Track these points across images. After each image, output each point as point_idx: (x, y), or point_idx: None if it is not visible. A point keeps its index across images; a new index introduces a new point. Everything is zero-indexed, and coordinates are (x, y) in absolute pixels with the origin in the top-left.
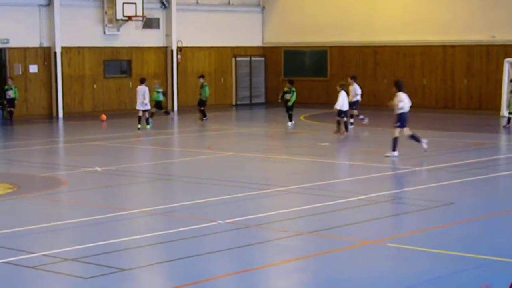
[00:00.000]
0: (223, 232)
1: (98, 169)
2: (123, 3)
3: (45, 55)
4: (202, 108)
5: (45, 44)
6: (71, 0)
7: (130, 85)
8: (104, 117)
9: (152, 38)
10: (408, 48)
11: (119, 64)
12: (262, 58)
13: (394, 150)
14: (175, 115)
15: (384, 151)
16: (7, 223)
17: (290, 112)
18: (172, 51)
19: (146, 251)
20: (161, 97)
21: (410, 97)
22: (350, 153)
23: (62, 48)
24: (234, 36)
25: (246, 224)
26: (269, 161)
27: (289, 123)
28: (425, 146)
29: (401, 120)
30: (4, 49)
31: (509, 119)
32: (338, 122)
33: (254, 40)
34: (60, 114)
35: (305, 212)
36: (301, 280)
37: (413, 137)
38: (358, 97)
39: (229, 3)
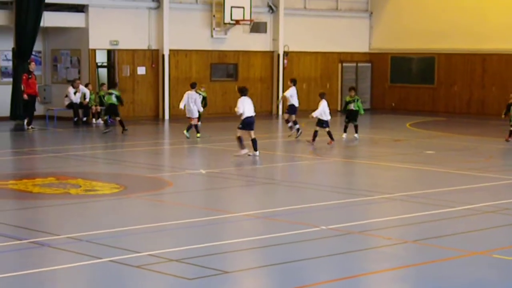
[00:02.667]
0: (325, 238)
1: (203, 171)
2: (231, 7)
3: (153, 57)
4: None
5: (153, 47)
6: (180, 4)
7: (236, 89)
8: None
9: (259, 42)
10: None
11: (225, 68)
12: (369, 64)
13: (242, 148)
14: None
15: (495, 161)
16: (114, 222)
17: (356, 123)
18: (278, 55)
19: (248, 254)
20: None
21: None
22: (457, 162)
23: (170, 50)
24: (341, 41)
25: (349, 230)
26: (373, 168)
27: (355, 135)
28: (243, 152)
29: (243, 124)
30: (114, 50)
31: (510, 132)
32: (315, 132)
33: (360, 45)
34: (166, 116)
35: (409, 220)
36: None
37: (239, 139)
38: (295, 101)
39: (336, 8)
